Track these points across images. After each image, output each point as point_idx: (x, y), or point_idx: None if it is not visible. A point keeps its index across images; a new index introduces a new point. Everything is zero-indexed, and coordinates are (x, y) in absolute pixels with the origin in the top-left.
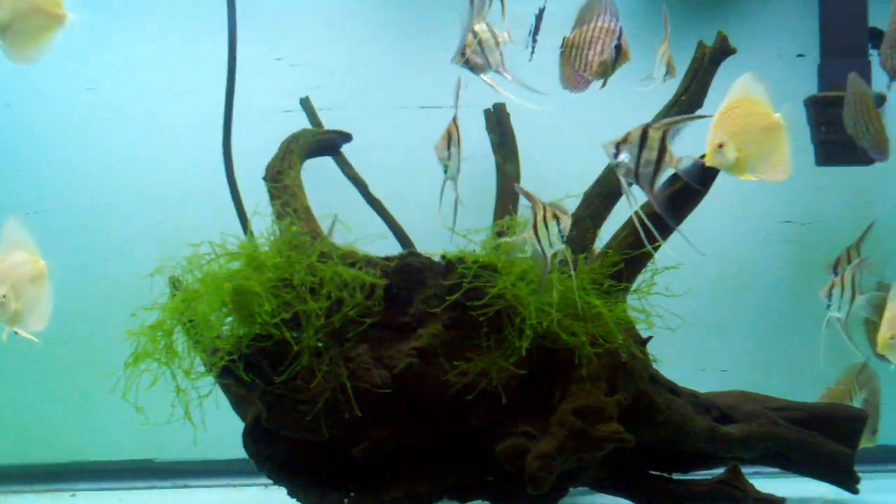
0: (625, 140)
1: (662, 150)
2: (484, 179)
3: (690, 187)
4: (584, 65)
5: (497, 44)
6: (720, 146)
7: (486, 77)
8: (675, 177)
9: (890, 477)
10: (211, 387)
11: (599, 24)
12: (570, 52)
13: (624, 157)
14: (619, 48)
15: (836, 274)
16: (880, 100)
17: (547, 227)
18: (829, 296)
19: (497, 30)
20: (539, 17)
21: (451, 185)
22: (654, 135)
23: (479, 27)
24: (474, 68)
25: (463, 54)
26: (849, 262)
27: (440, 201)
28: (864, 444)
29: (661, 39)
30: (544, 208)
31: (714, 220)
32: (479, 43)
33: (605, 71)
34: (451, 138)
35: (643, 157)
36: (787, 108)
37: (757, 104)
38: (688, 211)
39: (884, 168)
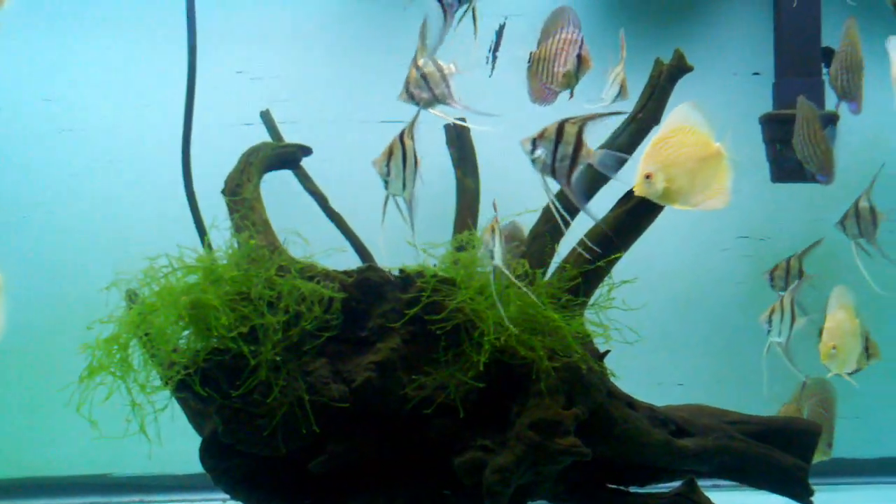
0: (541, 135)
1: (579, 144)
2: (444, 194)
3: (647, 202)
4: (550, 77)
5: (443, 76)
6: (647, 177)
7: (435, 110)
8: (630, 193)
9: (843, 489)
10: (167, 401)
11: (563, 35)
12: (538, 67)
13: (540, 151)
14: (580, 57)
15: (771, 280)
16: (831, 119)
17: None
18: (769, 321)
19: (442, 62)
20: (499, 34)
21: (402, 201)
22: (571, 129)
23: (423, 61)
24: (420, 103)
25: (407, 90)
26: (788, 272)
27: (382, 216)
28: (819, 457)
29: (615, 61)
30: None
31: (671, 235)
32: (423, 77)
33: (570, 81)
34: (392, 154)
35: (559, 152)
36: (727, 138)
37: (694, 133)
38: (645, 226)
39: (838, 185)
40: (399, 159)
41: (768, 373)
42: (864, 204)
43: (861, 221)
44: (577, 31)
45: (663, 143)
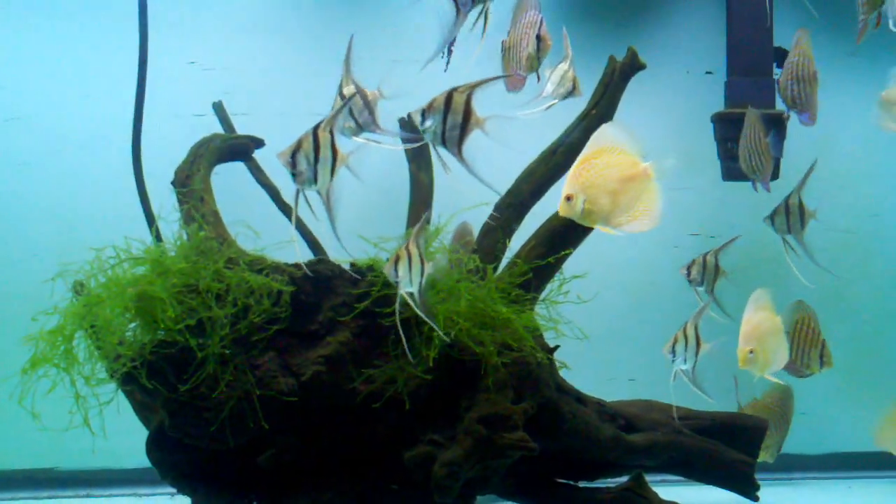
0: (430, 106)
1: (468, 113)
2: (398, 188)
3: None
4: (518, 63)
5: (367, 102)
6: (568, 198)
7: (359, 138)
8: None
9: (790, 485)
10: (112, 394)
11: (526, 20)
12: (508, 55)
13: (430, 122)
14: (539, 37)
15: (688, 275)
16: (777, 121)
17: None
18: (674, 351)
19: (367, 89)
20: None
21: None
22: (459, 99)
23: (347, 89)
24: (345, 132)
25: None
26: (704, 266)
27: (294, 212)
28: (764, 458)
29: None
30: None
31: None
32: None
33: (532, 64)
34: (300, 146)
35: (449, 122)
36: (658, 160)
37: (620, 154)
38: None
39: (788, 184)
40: (310, 152)
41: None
42: (794, 200)
43: (790, 217)
44: (537, 12)
45: (586, 164)
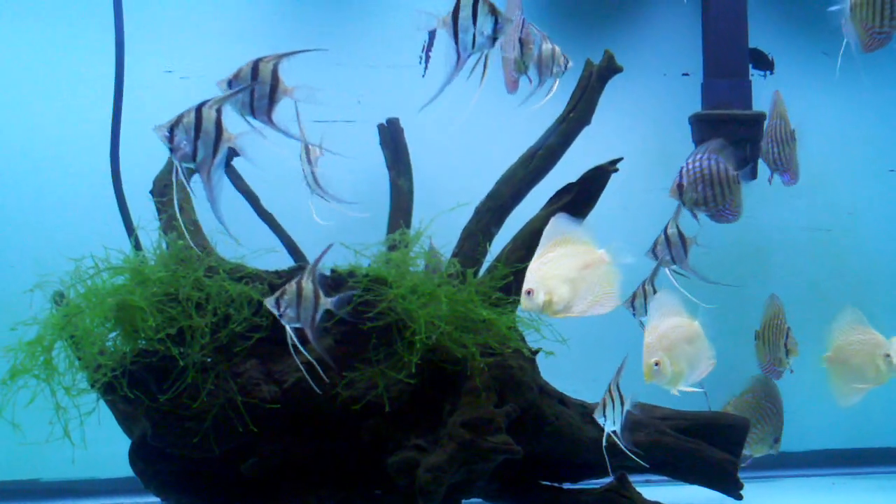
0: (237, 75)
1: (275, 81)
2: (377, 194)
3: (582, 196)
4: (509, 65)
5: (309, 161)
6: (528, 292)
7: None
8: (565, 190)
9: (774, 483)
10: (94, 404)
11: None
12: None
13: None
14: (521, 41)
15: (633, 306)
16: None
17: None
18: (603, 412)
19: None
20: (432, 34)
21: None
22: (266, 68)
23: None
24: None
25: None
26: (644, 296)
27: (176, 192)
28: (767, 451)
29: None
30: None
31: (608, 233)
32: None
33: (519, 67)
34: (180, 121)
35: (257, 91)
36: (612, 245)
37: (575, 244)
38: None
39: (769, 186)
40: (190, 127)
41: None
42: (672, 230)
43: (672, 248)
44: (520, 13)
45: (543, 259)
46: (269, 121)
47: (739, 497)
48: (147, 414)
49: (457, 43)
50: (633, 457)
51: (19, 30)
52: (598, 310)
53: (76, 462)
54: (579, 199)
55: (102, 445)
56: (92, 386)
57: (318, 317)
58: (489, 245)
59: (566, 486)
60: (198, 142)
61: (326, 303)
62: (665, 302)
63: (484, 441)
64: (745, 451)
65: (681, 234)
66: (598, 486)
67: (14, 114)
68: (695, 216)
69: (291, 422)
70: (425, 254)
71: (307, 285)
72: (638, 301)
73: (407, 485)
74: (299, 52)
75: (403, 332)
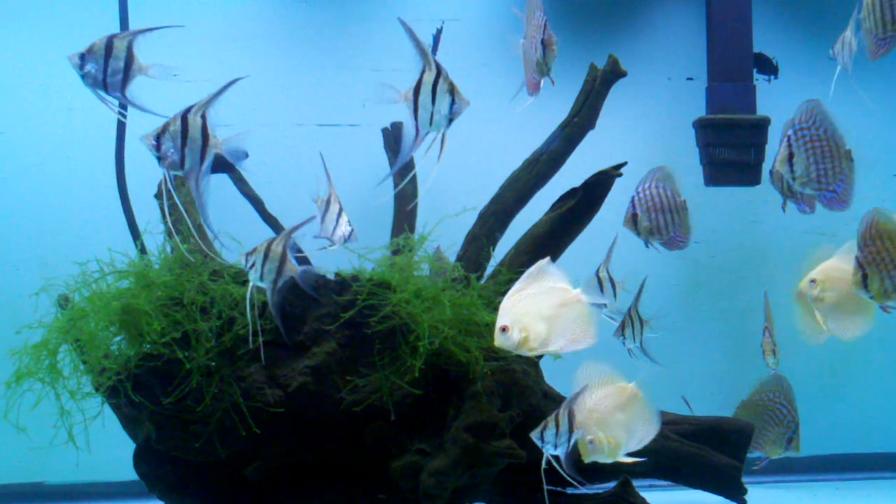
0: (89, 50)
1: (130, 58)
2: (381, 198)
3: (586, 200)
4: (530, 66)
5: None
6: (503, 329)
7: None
8: (569, 194)
9: (778, 487)
10: (99, 407)
11: (533, 22)
12: (525, 59)
13: (90, 66)
14: (543, 42)
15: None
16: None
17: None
18: (542, 436)
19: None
20: (437, 38)
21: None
22: (120, 45)
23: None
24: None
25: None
26: (632, 323)
27: (165, 199)
28: (783, 453)
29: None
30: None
31: (608, 238)
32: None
33: (542, 69)
34: (167, 129)
35: (111, 66)
36: (587, 286)
37: (550, 280)
38: (578, 229)
39: (769, 187)
40: (177, 135)
41: None
42: (603, 274)
43: (603, 290)
44: (542, 13)
45: (518, 295)
46: (124, 96)
47: (743, 502)
48: (151, 417)
49: (416, 119)
50: (572, 482)
51: (26, 35)
52: (573, 347)
53: (81, 465)
54: (583, 203)
55: (107, 449)
56: (96, 389)
57: (280, 280)
58: (493, 249)
59: (570, 490)
60: (185, 149)
61: (293, 269)
62: (590, 373)
63: (488, 445)
64: (761, 454)
65: (611, 279)
66: (601, 491)
67: (19, 118)
68: (647, 245)
69: (295, 425)
70: (429, 258)
71: (277, 248)
72: (627, 330)
73: (411, 489)
74: (155, 28)
75: (407, 336)
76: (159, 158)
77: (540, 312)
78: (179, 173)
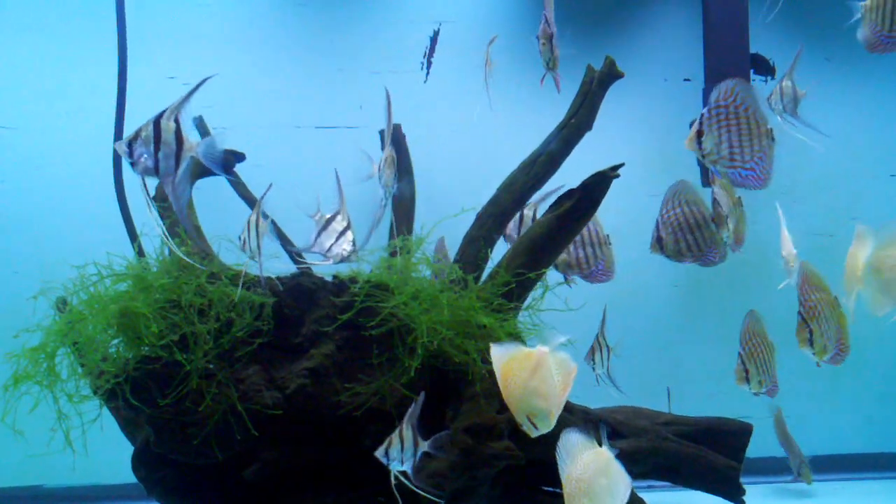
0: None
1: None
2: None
3: (584, 202)
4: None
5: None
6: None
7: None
8: (566, 196)
9: (777, 488)
10: (97, 410)
11: (546, 16)
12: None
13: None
14: (537, 36)
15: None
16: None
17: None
18: (386, 453)
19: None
20: (434, 40)
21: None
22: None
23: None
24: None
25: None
26: (600, 350)
27: (148, 203)
28: (799, 482)
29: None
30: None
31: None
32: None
33: (553, 65)
34: (139, 135)
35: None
36: (550, 341)
37: (517, 354)
38: (576, 231)
39: (770, 190)
40: (149, 140)
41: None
42: (601, 340)
43: (597, 356)
44: (549, 9)
45: (508, 381)
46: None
47: (742, 503)
48: (150, 420)
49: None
50: (427, 496)
51: (24, 38)
52: (567, 392)
53: (79, 468)
54: (581, 205)
55: (105, 452)
56: (95, 392)
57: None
58: (491, 251)
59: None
60: (158, 154)
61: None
62: (572, 443)
63: (486, 447)
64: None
65: (605, 344)
66: None
67: (18, 121)
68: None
69: (294, 428)
70: (427, 259)
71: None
72: (596, 355)
73: (410, 491)
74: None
75: (405, 337)
76: (132, 164)
77: (527, 392)
78: (154, 178)
